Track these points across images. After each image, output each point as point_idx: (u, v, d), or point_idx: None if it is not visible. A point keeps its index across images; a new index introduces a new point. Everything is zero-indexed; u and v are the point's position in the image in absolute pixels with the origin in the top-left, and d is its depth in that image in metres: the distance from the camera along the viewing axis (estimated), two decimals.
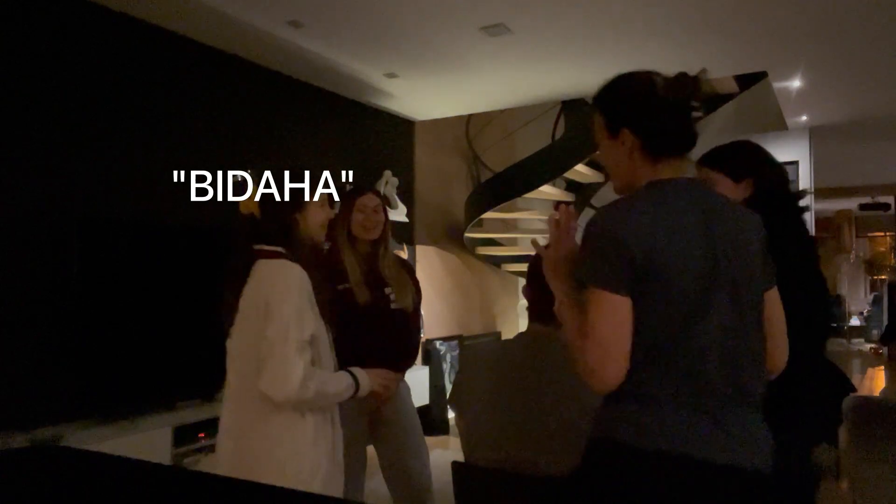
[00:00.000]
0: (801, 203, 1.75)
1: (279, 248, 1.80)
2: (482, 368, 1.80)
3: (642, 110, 1.33)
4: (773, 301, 1.37)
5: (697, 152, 1.84)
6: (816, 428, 1.70)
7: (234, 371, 1.82)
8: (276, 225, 1.82)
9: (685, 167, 1.36)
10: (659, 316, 1.23)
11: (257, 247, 1.81)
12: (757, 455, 1.25)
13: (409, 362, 2.59)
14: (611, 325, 1.21)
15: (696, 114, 1.35)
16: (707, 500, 1.20)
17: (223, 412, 1.83)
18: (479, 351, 1.91)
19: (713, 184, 1.72)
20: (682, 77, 1.32)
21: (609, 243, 1.24)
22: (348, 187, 3.09)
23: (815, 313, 1.66)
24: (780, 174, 1.75)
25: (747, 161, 1.74)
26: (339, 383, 1.82)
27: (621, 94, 1.37)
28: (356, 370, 1.90)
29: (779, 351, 1.37)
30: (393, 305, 2.51)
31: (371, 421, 2.49)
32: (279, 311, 1.68)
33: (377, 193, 2.61)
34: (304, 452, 1.72)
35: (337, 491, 1.83)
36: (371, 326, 2.41)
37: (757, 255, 1.32)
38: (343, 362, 2.00)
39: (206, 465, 3.10)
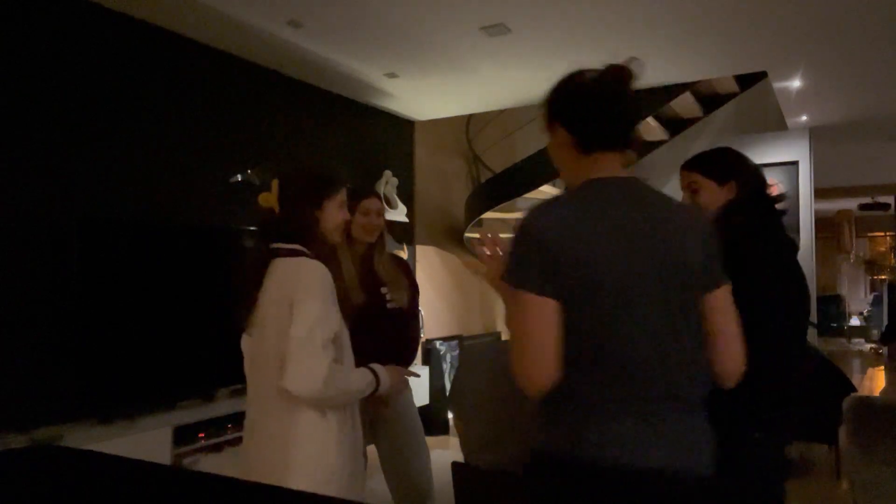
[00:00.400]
0: (780, 206, 1.76)
1: (298, 247, 1.79)
2: (480, 369, 1.80)
3: (570, 104, 1.33)
4: (721, 303, 1.31)
5: (696, 151, 1.85)
6: (789, 427, 1.71)
7: (255, 369, 1.80)
8: (296, 222, 1.80)
9: (624, 162, 1.33)
10: (587, 318, 1.21)
11: (275, 245, 1.80)
12: (693, 457, 1.22)
13: (410, 360, 2.59)
14: (537, 327, 1.20)
15: (631, 106, 1.32)
16: None
17: (247, 412, 1.82)
18: (476, 352, 1.91)
19: (699, 187, 1.75)
20: (609, 69, 1.30)
21: (531, 244, 1.23)
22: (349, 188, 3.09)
23: (786, 315, 1.66)
24: (759, 178, 1.77)
25: (731, 165, 1.77)
26: (362, 380, 1.81)
27: (554, 90, 1.37)
28: (377, 367, 1.89)
29: (731, 354, 1.30)
30: (389, 305, 2.52)
31: (372, 420, 2.49)
32: (305, 309, 1.66)
33: (379, 197, 2.62)
34: (328, 451, 1.71)
35: (360, 489, 1.82)
36: (369, 327, 2.41)
37: (694, 254, 1.27)
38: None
39: (207, 464, 3.11)
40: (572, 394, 1.21)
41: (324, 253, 1.85)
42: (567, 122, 1.33)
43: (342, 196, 1.89)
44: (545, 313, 1.20)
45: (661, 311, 1.22)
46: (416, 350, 2.68)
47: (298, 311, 1.66)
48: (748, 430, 1.52)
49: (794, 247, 1.73)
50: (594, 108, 1.30)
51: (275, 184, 1.83)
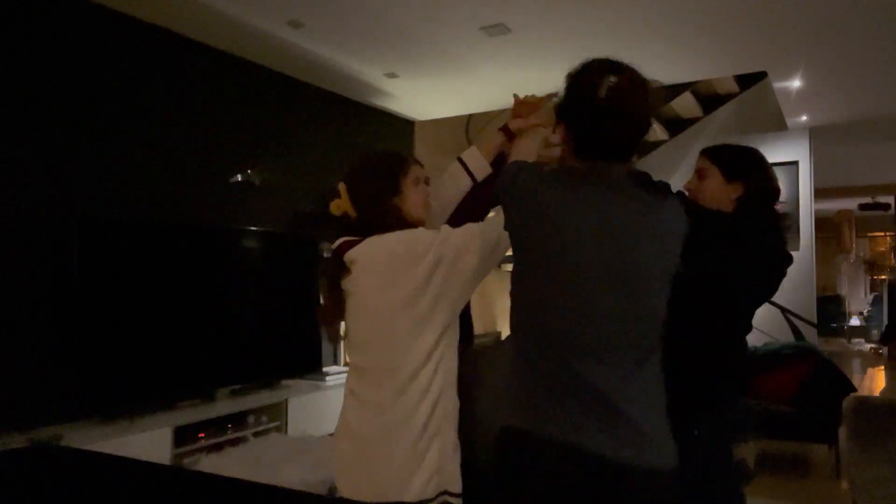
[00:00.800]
0: (785, 222, 1.76)
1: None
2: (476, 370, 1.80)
3: (577, 112, 1.29)
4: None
5: (698, 150, 1.85)
6: (735, 425, 1.71)
7: (364, 354, 1.60)
8: (380, 217, 1.62)
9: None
10: (546, 292, 1.25)
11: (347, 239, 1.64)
12: (649, 452, 1.21)
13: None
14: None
15: (642, 125, 1.27)
16: (601, 496, 1.19)
17: (350, 396, 1.62)
18: (471, 354, 1.90)
19: (707, 175, 1.73)
20: (626, 80, 1.24)
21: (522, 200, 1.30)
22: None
23: (740, 319, 1.69)
24: (770, 190, 1.74)
25: (745, 166, 1.74)
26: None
27: (568, 89, 1.33)
28: None
29: None
30: None
31: None
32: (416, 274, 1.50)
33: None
34: (445, 424, 1.55)
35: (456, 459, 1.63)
36: None
37: (660, 244, 1.28)
38: None
39: (207, 464, 3.11)
40: (536, 377, 1.26)
41: None
42: (571, 127, 1.31)
43: (416, 171, 1.73)
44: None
45: (627, 302, 1.24)
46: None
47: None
48: (686, 427, 1.49)
49: (785, 259, 1.69)
50: (600, 122, 1.25)
51: (342, 187, 1.69)
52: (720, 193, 1.71)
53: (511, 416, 1.29)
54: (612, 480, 1.18)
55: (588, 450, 1.18)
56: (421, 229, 1.59)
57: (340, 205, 1.68)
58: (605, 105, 1.23)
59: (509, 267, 1.38)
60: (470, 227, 1.56)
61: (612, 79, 1.23)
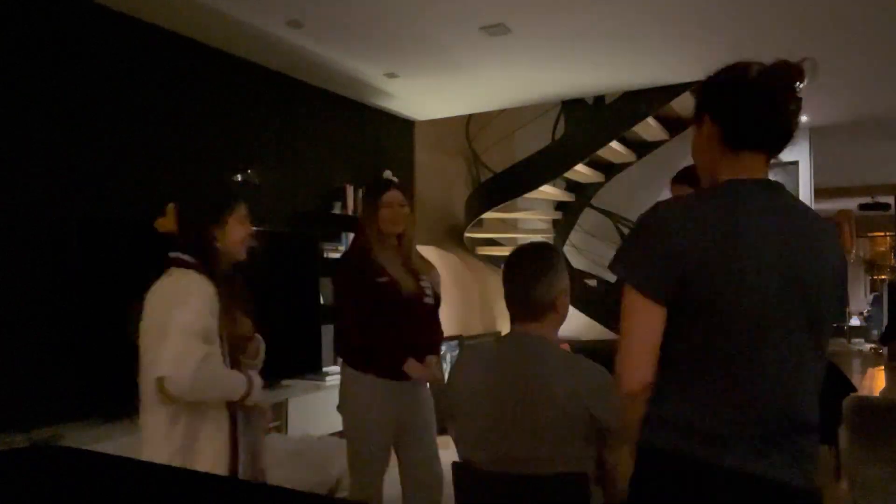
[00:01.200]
0: None
1: (190, 259, 1.87)
2: (469, 372, 1.78)
3: (727, 96, 1.22)
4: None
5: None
6: None
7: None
8: (192, 238, 1.91)
9: (766, 166, 1.23)
10: (707, 333, 1.14)
11: (173, 254, 1.90)
12: (804, 475, 1.17)
13: (439, 352, 2.65)
14: (638, 330, 1.16)
15: (793, 107, 1.20)
16: None
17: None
18: (464, 356, 1.90)
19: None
20: (778, 65, 1.18)
21: (657, 241, 1.16)
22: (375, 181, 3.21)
23: None
24: None
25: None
26: (236, 379, 1.86)
27: (711, 78, 1.26)
28: (253, 374, 1.93)
29: None
30: (426, 300, 2.58)
31: (398, 429, 2.55)
32: (177, 315, 1.74)
33: (399, 188, 2.64)
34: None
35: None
36: (412, 316, 2.48)
37: (830, 275, 1.19)
38: (388, 351, 2.32)
39: None
40: (687, 413, 1.16)
41: (220, 268, 1.92)
42: (720, 115, 1.23)
43: (242, 212, 1.96)
44: (652, 319, 1.15)
45: (799, 339, 1.16)
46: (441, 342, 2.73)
47: (171, 318, 1.73)
48: None
49: None
50: (754, 103, 1.18)
51: (170, 208, 1.98)
52: None
53: (662, 438, 1.18)
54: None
55: (775, 479, 1.13)
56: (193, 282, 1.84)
57: (164, 223, 2.03)
58: (758, 84, 1.18)
59: None
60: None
61: (759, 64, 1.20)
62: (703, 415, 1.15)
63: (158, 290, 1.84)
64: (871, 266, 13.89)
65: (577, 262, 6.10)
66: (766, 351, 1.14)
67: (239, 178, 3.84)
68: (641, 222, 1.21)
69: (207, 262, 1.87)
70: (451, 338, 5.66)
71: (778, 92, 1.18)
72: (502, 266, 1.78)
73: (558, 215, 6.09)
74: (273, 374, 3.87)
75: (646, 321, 1.15)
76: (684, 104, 5.95)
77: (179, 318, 1.72)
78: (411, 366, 2.45)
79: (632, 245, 1.22)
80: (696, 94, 1.29)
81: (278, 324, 3.89)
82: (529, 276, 1.70)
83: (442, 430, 5.52)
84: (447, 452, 1.81)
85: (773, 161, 1.24)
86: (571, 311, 1.80)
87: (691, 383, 1.16)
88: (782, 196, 1.22)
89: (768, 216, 1.17)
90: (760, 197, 1.18)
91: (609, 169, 5.79)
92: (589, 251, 6.19)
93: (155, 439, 1.77)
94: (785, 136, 1.21)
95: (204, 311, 1.77)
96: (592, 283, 5.97)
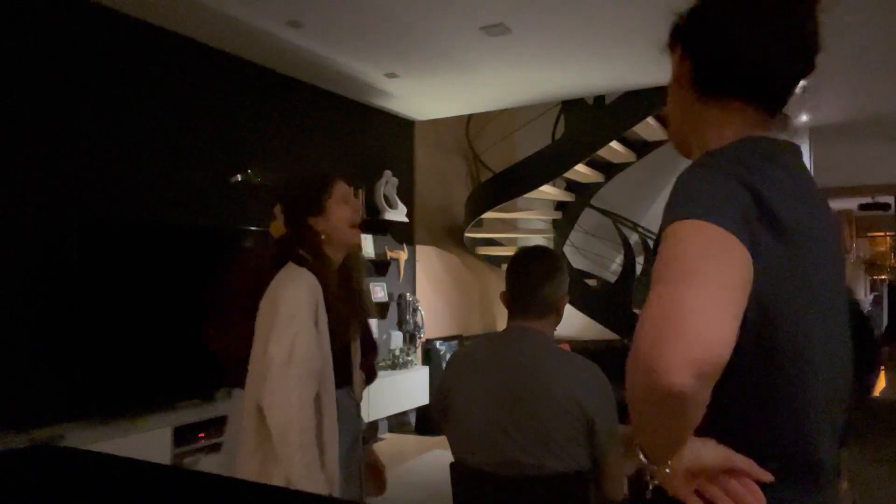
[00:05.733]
0: None
1: (305, 255, 1.69)
2: (463, 372, 1.77)
3: (710, 16, 0.85)
4: None
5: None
6: None
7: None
8: (297, 236, 1.69)
9: (765, 127, 0.88)
10: (789, 316, 0.81)
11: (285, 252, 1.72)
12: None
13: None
14: (720, 274, 0.72)
15: (809, 32, 0.85)
16: None
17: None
18: (457, 356, 1.88)
19: None
20: None
21: (739, 187, 0.78)
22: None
23: None
24: None
25: None
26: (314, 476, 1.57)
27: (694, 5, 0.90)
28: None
29: None
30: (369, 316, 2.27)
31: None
32: (284, 325, 1.57)
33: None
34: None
35: None
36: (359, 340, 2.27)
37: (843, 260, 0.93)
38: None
39: (207, 464, 3.11)
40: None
41: (331, 262, 1.72)
42: (693, 46, 0.87)
43: (341, 190, 1.75)
44: (738, 264, 0.74)
45: (842, 328, 0.89)
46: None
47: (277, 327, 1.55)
48: None
49: None
50: (751, 23, 0.84)
51: (277, 209, 1.78)
52: None
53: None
54: None
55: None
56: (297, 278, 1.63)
57: (278, 227, 1.79)
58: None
59: None
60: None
61: None
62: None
63: (271, 291, 1.66)
64: (871, 266, 13.89)
65: (577, 262, 6.10)
66: (814, 367, 0.88)
67: (239, 178, 3.84)
68: (703, 162, 0.84)
69: (318, 258, 1.68)
70: (450, 338, 5.67)
71: (789, 10, 0.89)
72: (507, 264, 1.79)
73: (558, 215, 6.09)
74: None
75: (728, 262, 0.73)
76: None
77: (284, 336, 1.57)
78: None
79: (699, 185, 0.81)
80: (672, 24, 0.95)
81: None
82: (540, 274, 1.72)
83: (440, 431, 5.52)
84: (446, 453, 1.80)
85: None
86: (571, 310, 1.81)
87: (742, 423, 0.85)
88: (802, 162, 0.91)
89: (809, 184, 0.89)
90: (792, 160, 0.87)
91: (609, 169, 5.79)
92: (589, 251, 6.19)
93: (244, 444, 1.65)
94: (793, 76, 0.87)
95: (309, 321, 1.60)
96: (592, 282, 5.97)
